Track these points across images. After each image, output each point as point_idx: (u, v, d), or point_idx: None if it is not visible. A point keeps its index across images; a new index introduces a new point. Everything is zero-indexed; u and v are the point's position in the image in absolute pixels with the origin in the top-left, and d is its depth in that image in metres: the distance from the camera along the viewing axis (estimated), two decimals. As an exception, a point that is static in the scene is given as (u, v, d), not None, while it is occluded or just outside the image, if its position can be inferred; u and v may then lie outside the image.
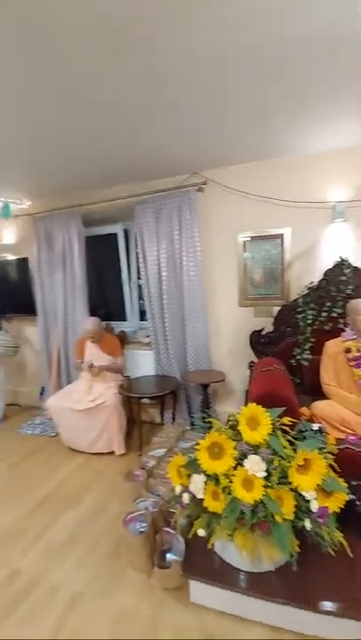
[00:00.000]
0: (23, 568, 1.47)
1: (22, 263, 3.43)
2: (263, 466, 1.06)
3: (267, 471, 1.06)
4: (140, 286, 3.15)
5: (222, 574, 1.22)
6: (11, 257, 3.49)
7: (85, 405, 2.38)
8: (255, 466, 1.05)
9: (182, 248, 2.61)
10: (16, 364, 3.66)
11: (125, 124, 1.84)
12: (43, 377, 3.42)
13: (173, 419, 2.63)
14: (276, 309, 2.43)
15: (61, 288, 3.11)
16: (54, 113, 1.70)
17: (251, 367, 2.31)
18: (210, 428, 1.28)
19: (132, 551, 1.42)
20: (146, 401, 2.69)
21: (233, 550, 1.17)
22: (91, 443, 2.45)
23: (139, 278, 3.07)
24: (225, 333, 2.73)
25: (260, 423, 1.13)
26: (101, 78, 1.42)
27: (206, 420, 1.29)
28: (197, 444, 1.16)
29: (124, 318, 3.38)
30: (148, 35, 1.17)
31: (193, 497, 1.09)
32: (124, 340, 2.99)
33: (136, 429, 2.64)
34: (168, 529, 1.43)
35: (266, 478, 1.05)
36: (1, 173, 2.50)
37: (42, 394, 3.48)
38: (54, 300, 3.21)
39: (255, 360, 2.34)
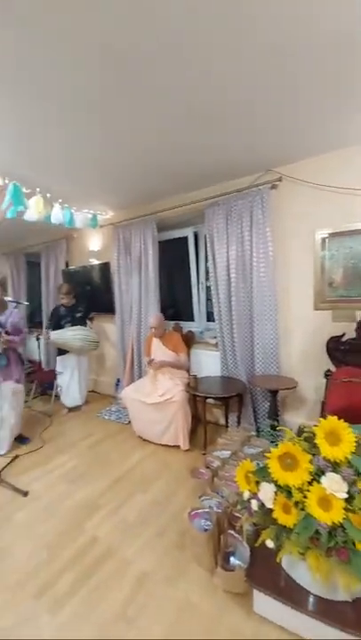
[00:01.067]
0: (100, 537, 1.67)
1: (104, 267, 3.84)
2: (344, 486, 0.97)
3: (348, 493, 0.97)
4: (208, 288, 3.21)
5: (290, 592, 1.17)
6: (95, 262, 3.94)
7: (155, 399, 2.55)
8: (335, 485, 0.97)
9: (253, 249, 2.55)
10: (96, 356, 4.13)
11: (202, 130, 1.91)
12: (118, 370, 3.78)
13: (238, 422, 2.59)
14: (359, 314, 2.17)
15: (137, 290, 3.38)
16: (141, 131, 1.88)
17: (327, 376, 2.12)
18: (279, 437, 1.23)
19: (197, 547, 1.47)
20: (210, 401, 2.72)
21: (303, 570, 1.10)
22: (159, 434, 2.60)
23: (207, 280, 3.12)
24: (297, 338, 2.56)
25: (341, 439, 1.03)
26: (187, 86, 1.51)
27: (278, 429, 1.24)
28: (268, 452, 1.13)
29: (191, 319, 3.47)
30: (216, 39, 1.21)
31: (262, 505, 1.07)
32: (191, 339, 3.07)
33: (200, 428, 2.69)
34: (233, 532, 1.43)
35: (347, 500, 0.96)
36: (93, 190, 2.89)
37: (117, 385, 3.85)
38: (130, 301, 3.51)
39: (332, 368, 2.13)
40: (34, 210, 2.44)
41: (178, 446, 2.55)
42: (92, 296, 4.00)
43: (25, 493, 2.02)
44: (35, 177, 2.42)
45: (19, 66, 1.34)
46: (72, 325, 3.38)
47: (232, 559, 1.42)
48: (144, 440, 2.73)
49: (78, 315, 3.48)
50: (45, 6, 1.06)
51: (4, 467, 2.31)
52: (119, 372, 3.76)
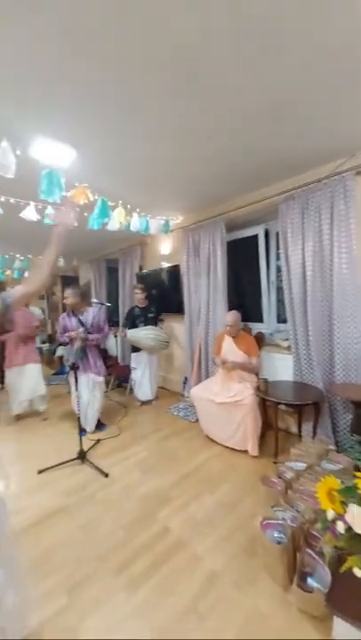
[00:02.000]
0: (171, 529, 1.74)
1: (173, 270, 4.01)
2: None
3: None
4: (278, 287, 3.04)
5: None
6: (165, 265, 4.15)
7: (223, 399, 2.54)
8: None
9: (333, 243, 2.31)
10: (165, 355, 4.34)
11: (276, 122, 1.83)
12: (186, 369, 3.89)
13: (314, 433, 2.38)
14: None
15: (205, 291, 3.43)
16: (212, 134, 1.90)
17: None
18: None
19: (270, 558, 1.41)
20: (282, 407, 2.57)
21: None
22: (226, 436, 2.58)
23: (278, 279, 2.95)
24: (390, 343, 2.21)
25: None
26: (262, 80, 1.48)
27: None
28: (355, 470, 1.01)
29: (260, 320, 3.34)
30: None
31: (349, 528, 0.96)
32: (261, 341, 2.96)
33: (270, 434, 2.57)
34: (311, 552, 1.32)
35: None
36: (166, 197, 3.06)
37: (185, 383, 3.97)
38: (198, 302, 3.58)
39: None
40: (116, 220, 2.71)
41: (246, 451, 2.48)
42: (161, 297, 4.22)
43: (106, 475, 2.25)
44: (117, 190, 2.69)
45: (102, 80, 1.48)
46: (145, 325, 3.62)
47: (310, 580, 1.32)
48: (211, 440, 2.75)
49: (150, 315, 3.71)
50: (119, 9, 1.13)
51: (90, 448, 2.61)
52: (187, 371, 3.87)
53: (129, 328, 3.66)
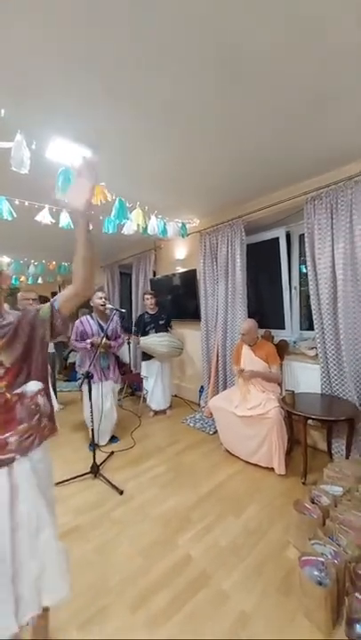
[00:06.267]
0: (194, 557, 1.57)
1: (188, 275, 3.89)
2: None
3: None
4: (301, 292, 2.87)
5: None
6: (180, 270, 4.04)
7: (244, 412, 2.37)
8: None
9: (367, 244, 2.14)
10: (179, 362, 4.19)
11: (311, 119, 1.72)
12: (202, 377, 3.73)
13: (348, 452, 2.17)
14: None
15: (223, 296, 3.29)
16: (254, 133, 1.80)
17: None
18: None
19: (309, 600, 1.23)
20: (309, 422, 2.37)
21: None
22: (249, 452, 2.40)
23: (301, 284, 2.78)
24: None
25: None
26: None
27: None
28: None
29: (281, 326, 3.17)
30: None
31: None
32: (284, 350, 2.78)
33: (297, 451, 2.38)
34: (360, 595, 1.14)
35: None
36: (184, 199, 2.97)
37: (201, 392, 3.81)
38: (216, 308, 3.43)
39: None
40: (134, 221, 2.62)
41: (271, 469, 2.30)
42: (175, 303, 4.10)
43: (121, 492, 2.11)
44: (135, 192, 2.60)
45: (132, 79, 1.41)
46: (156, 332, 3.50)
47: (359, 628, 1.13)
48: (232, 455, 2.57)
49: (161, 322, 3.59)
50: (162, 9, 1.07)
51: (103, 461, 2.48)
52: (203, 380, 3.71)
53: (140, 335, 3.54)
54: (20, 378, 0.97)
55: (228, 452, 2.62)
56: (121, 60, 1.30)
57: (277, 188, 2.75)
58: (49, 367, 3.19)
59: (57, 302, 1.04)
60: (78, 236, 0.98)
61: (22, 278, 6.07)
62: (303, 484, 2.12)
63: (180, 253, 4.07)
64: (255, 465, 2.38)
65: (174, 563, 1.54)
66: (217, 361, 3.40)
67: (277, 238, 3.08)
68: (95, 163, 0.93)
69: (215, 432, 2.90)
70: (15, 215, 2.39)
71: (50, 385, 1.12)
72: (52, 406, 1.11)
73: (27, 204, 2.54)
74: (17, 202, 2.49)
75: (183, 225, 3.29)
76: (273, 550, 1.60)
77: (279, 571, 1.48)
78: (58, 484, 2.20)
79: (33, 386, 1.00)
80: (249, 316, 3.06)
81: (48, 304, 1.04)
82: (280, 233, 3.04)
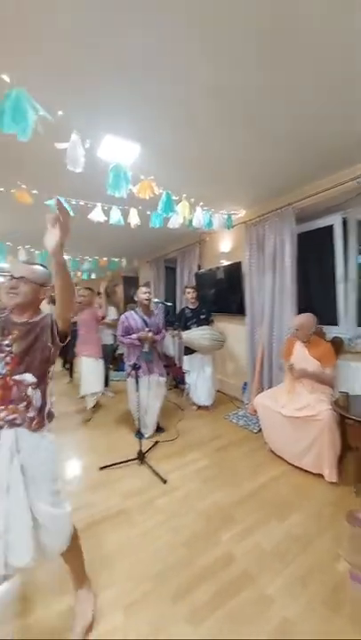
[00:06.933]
0: (236, 556, 1.56)
1: (233, 268, 3.78)
2: None
3: None
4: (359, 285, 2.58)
5: None
6: (225, 263, 3.94)
7: (292, 412, 2.24)
8: None
9: None
10: (222, 357, 4.14)
11: None
12: (246, 373, 3.63)
13: None
14: None
15: (270, 289, 3.13)
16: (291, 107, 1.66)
17: None
18: None
19: (363, 622, 1.13)
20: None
21: None
22: (296, 455, 2.28)
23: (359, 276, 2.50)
24: None
25: None
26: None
27: None
28: None
29: (334, 322, 2.91)
30: None
31: None
32: (338, 348, 2.55)
33: (350, 458, 2.19)
34: None
35: None
36: (230, 188, 2.87)
37: (244, 388, 3.72)
38: (262, 302, 3.29)
39: None
40: (180, 215, 2.61)
41: (320, 475, 2.15)
42: (219, 297, 4.03)
43: (165, 481, 2.18)
44: (180, 184, 2.59)
45: (174, 66, 1.39)
46: (197, 326, 3.47)
47: None
48: (277, 456, 2.47)
49: (202, 316, 3.55)
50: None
51: (148, 449, 2.58)
52: (247, 376, 3.61)
53: (181, 330, 3.55)
54: (20, 367, 1.17)
55: (272, 452, 2.52)
56: (166, 49, 1.28)
57: (332, 172, 2.50)
58: (101, 359, 3.37)
59: (55, 315, 1.24)
60: (54, 269, 1.14)
61: (78, 274, 6.55)
62: (356, 493, 1.94)
63: (225, 246, 3.97)
64: (302, 469, 2.25)
65: (216, 559, 1.55)
66: (262, 357, 3.28)
67: (331, 226, 2.81)
68: (65, 215, 1.07)
69: (259, 430, 2.81)
70: (72, 215, 2.55)
71: (50, 384, 1.27)
72: (45, 404, 1.24)
73: (82, 203, 2.70)
74: (73, 202, 2.67)
75: (229, 216, 3.19)
76: (320, 561, 1.51)
77: (327, 583, 1.39)
78: (107, 467, 2.35)
79: (28, 377, 1.18)
80: (298, 311, 2.87)
81: (51, 315, 1.25)
82: (335, 220, 2.77)
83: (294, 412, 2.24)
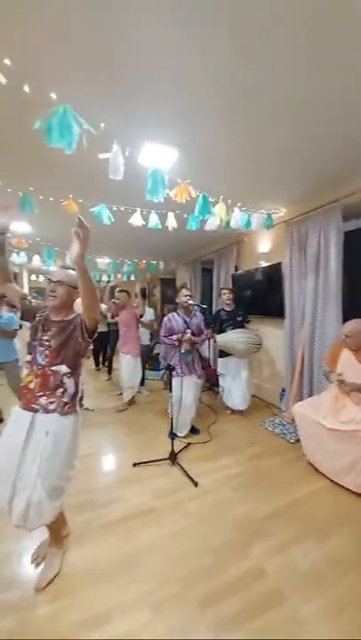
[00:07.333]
0: (267, 572, 1.49)
1: (271, 269, 3.63)
2: None
3: None
4: None
5: None
6: (263, 264, 3.80)
7: (334, 425, 2.08)
8: None
9: None
10: (257, 361, 3.99)
11: None
12: (284, 378, 3.46)
13: None
14: None
15: (312, 292, 2.95)
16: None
17: None
18: None
19: None
20: None
21: None
22: (337, 471, 2.11)
23: None
24: None
25: None
26: None
27: None
28: None
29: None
30: None
31: None
32: (391, 357, 2.30)
33: None
34: None
35: None
36: (270, 187, 2.77)
37: (282, 395, 3.55)
38: (302, 304, 3.12)
39: None
40: (217, 217, 2.59)
41: (365, 496, 1.97)
42: (256, 299, 3.90)
43: (196, 484, 2.16)
44: (218, 185, 2.57)
45: (216, 66, 1.38)
46: (233, 328, 3.39)
47: None
48: (316, 470, 2.31)
49: (238, 319, 3.46)
50: None
51: (180, 450, 2.59)
52: (285, 382, 3.44)
53: (217, 332, 3.50)
54: (57, 359, 1.35)
55: (310, 465, 2.36)
56: (210, 52, 1.28)
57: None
58: (139, 357, 3.52)
59: (82, 315, 1.38)
60: (77, 275, 1.27)
61: (119, 276, 6.86)
62: None
63: (264, 246, 3.84)
64: (343, 487, 2.08)
65: (245, 571, 1.49)
66: (302, 363, 3.10)
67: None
68: (85, 231, 1.19)
69: (297, 441, 2.66)
70: (113, 220, 2.68)
71: (81, 374, 1.44)
72: (77, 391, 1.42)
73: (122, 208, 2.82)
74: (114, 208, 2.79)
75: (269, 216, 3.07)
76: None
77: (371, 620, 1.26)
78: (138, 464, 2.41)
79: (63, 368, 1.36)
80: (344, 316, 2.66)
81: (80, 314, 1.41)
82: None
83: (338, 424, 2.07)
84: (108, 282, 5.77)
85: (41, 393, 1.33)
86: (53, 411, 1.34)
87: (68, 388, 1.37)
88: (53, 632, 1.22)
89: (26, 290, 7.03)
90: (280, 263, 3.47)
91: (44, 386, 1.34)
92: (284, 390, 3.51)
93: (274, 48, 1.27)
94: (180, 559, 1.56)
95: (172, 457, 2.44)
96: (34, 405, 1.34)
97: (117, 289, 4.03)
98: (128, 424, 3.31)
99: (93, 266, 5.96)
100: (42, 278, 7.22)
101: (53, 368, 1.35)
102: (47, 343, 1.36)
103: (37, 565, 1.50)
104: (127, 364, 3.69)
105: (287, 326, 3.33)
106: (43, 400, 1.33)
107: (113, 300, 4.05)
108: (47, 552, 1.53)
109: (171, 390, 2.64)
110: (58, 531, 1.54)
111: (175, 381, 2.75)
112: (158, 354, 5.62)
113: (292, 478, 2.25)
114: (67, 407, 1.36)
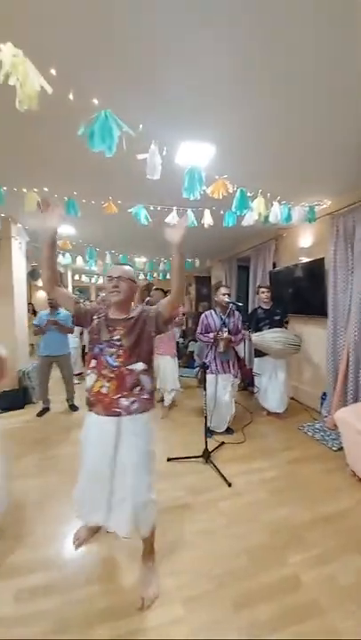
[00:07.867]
0: (305, 583, 1.42)
1: (312, 265, 3.43)
2: None
3: None
4: None
5: None
6: (304, 260, 3.61)
7: (383, 435, 1.91)
8: None
9: None
10: (297, 361, 3.80)
11: None
12: (326, 381, 3.26)
13: None
14: None
15: (359, 289, 2.73)
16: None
17: None
18: None
19: None
20: None
21: None
22: (386, 484, 1.94)
23: None
24: None
25: None
26: None
27: None
28: None
29: None
30: None
31: None
32: None
33: None
34: None
35: None
36: (313, 180, 2.62)
37: (323, 399, 3.35)
38: (348, 303, 2.91)
39: None
40: (255, 211, 2.51)
41: None
42: (296, 297, 3.71)
43: (229, 484, 2.13)
44: (256, 179, 2.49)
45: (248, 57, 1.34)
46: (270, 328, 3.26)
47: None
48: (360, 480, 2.14)
49: (276, 317, 3.32)
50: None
51: (214, 449, 2.57)
52: (326, 385, 3.24)
53: (253, 331, 3.40)
54: (132, 358, 1.30)
55: (354, 475, 2.20)
56: (241, 41, 1.24)
57: None
58: (176, 356, 3.56)
59: (160, 306, 1.37)
60: (173, 260, 1.33)
61: (155, 275, 6.99)
62: None
63: (305, 241, 3.64)
64: (395, 503, 1.90)
65: (281, 579, 1.44)
66: (346, 366, 2.89)
67: None
68: (184, 222, 1.33)
69: (340, 449, 2.49)
70: (150, 219, 2.74)
71: (153, 368, 1.41)
72: (153, 386, 1.38)
73: (159, 208, 2.86)
74: (151, 207, 2.85)
75: (311, 208, 2.90)
76: None
77: None
78: (172, 459, 2.45)
79: (140, 366, 1.31)
80: None
81: (155, 307, 1.39)
82: None
83: (387, 433, 1.90)
84: (147, 281, 5.90)
85: (119, 395, 1.27)
86: (136, 410, 1.29)
87: (145, 384, 1.32)
88: (84, 612, 1.27)
89: (70, 289, 7.48)
90: (323, 258, 3.26)
91: (122, 387, 1.28)
92: (325, 394, 3.31)
93: (317, 35, 1.19)
94: (213, 558, 1.56)
95: (206, 455, 2.43)
96: (115, 409, 1.27)
97: (153, 287, 4.09)
98: (162, 420, 3.37)
99: (132, 265, 6.15)
100: (84, 278, 7.64)
101: (130, 367, 1.28)
102: (118, 343, 1.29)
103: (78, 547, 1.58)
104: (165, 366, 3.50)
105: (330, 326, 3.13)
106: (123, 402, 1.27)
107: (146, 300, 4.10)
108: (144, 568, 1.41)
109: (205, 388, 2.63)
110: (153, 538, 1.44)
111: (210, 378, 2.73)
112: (193, 352, 5.63)
113: (334, 488, 2.12)
114: (147, 403, 1.33)
